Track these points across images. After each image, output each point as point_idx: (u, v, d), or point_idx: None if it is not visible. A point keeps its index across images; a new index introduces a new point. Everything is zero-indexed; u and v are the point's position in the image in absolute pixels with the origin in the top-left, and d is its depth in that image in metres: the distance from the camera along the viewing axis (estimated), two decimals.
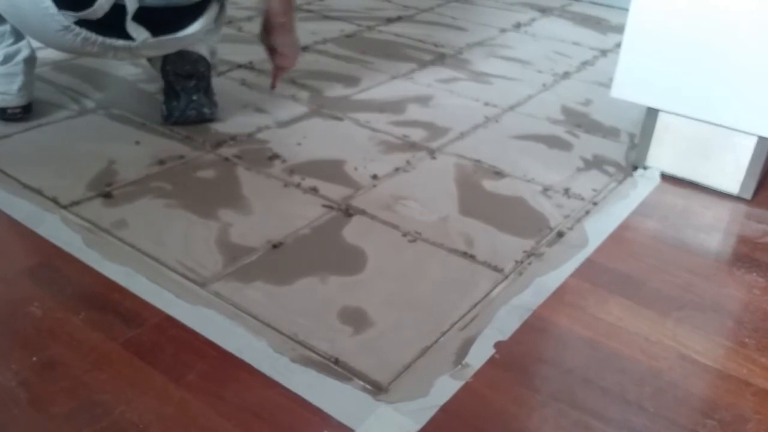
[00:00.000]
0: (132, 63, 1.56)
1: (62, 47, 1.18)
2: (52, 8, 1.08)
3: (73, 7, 1.09)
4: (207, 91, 1.32)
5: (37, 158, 1.19)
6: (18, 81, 1.26)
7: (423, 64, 1.70)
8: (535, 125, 1.40)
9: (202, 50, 1.32)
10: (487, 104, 1.49)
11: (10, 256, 0.95)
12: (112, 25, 1.13)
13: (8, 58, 1.25)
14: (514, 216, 1.09)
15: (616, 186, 1.19)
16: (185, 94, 1.29)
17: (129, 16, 1.12)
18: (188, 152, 1.23)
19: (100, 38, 1.14)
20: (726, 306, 0.91)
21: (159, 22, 1.17)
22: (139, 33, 1.15)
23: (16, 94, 1.27)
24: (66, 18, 1.09)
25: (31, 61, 1.28)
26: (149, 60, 1.36)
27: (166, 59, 1.28)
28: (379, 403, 0.73)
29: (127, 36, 1.15)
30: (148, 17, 1.14)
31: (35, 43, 1.29)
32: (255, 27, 1.91)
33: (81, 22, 1.11)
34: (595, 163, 1.26)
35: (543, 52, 1.82)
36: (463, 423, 0.72)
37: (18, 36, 1.27)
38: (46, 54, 1.54)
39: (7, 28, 1.25)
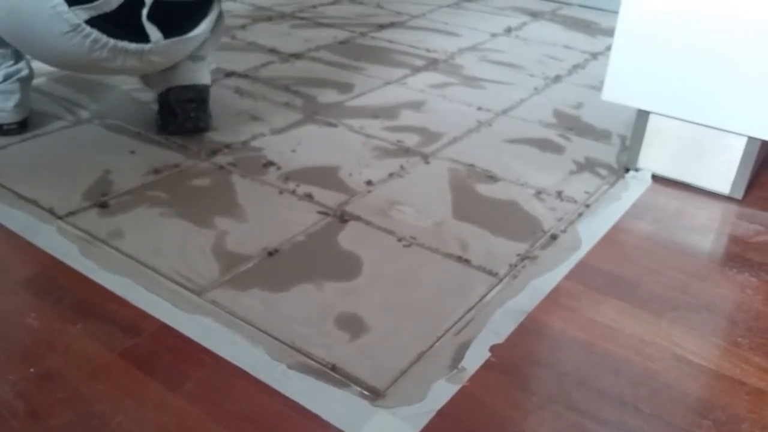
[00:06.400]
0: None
1: (65, 55, 1.11)
2: (62, 5, 1.02)
3: (83, 1, 1.03)
4: (205, 109, 1.33)
5: (33, 169, 1.19)
6: (14, 98, 1.27)
7: (416, 70, 1.71)
8: (527, 129, 1.41)
9: (206, 78, 1.32)
10: (479, 109, 1.50)
11: (6, 268, 0.95)
12: (123, 25, 1.08)
13: (7, 78, 1.26)
14: (508, 219, 1.09)
15: (608, 188, 1.20)
16: (183, 112, 1.30)
17: (146, 9, 1.08)
18: (183, 161, 1.23)
19: (112, 41, 1.08)
20: (719, 306, 0.92)
21: (170, 21, 1.14)
22: (153, 32, 1.11)
23: (11, 111, 1.28)
24: (77, 16, 1.03)
25: (27, 79, 1.30)
26: (148, 82, 1.35)
27: (169, 91, 1.28)
28: (377, 409, 0.74)
29: (138, 39, 1.10)
30: (160, 16, 1.12)
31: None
32: (249, 35, 1.93)
33: (92, 22, 1.05)
34: (587, 165, 1.27)
35: (534, 56, 1.84)
36: (459, 427, 0.72)
37: (18, 57, 1.27)
38: (41, 64, 1.54)
39: (8, 50, 1.25)
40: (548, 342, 0.85)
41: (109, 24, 1.08)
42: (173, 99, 1.29)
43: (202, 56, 1.31)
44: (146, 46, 1.13)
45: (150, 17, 1.11)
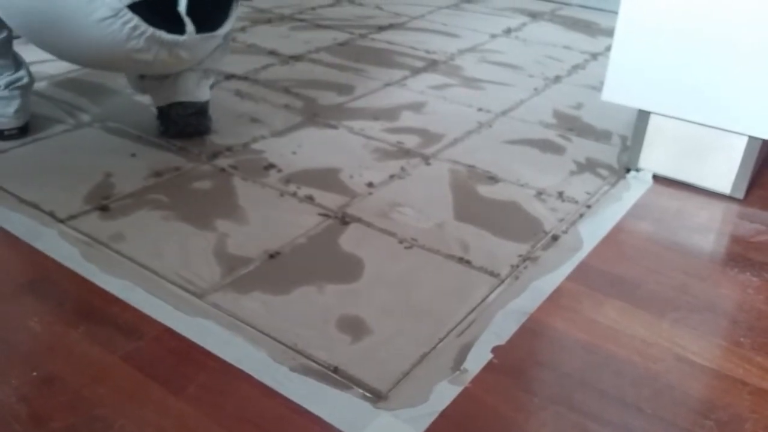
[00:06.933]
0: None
1: (96, 46, 1.08)
2: None
3: None
4: (205, 114, 1.33)
5: (34, 173, 1.19)
6: (15, 104, 1.28)
7: (416, 71, 1.71)
8: (527, 130, 1.41)
9: (207, 94, 1.32)
10: (480, 110, 1.50)
11: (8, 271, 0.95)
12: (161, 14, 1.08)
13: (8, 85, 1.27)
14: (509, 220, 1.09)
15: (609, 189, 1.20)
16: (183, 122, 1.31)
17: None
18: (184, 164, 1.23)
19: (150, 29, 1.07)
20: (721, 306, 0.92)
21: (202, 15, 1.15)
22: (188, 24, 1.12)
23: (12, 117, 1.28)
24: (120, 0, 1.02)
25: (28, 86, 1.30)
26: (144, 90, 1.35)
27: (171, 106, 1.29)
28: (379, 411, 0.74)
29: (173, 29, 1.10)
30: (193, 9, 1.12)
31: (31, 60, 1.30)
32: (249, 37, 1.93)
33: (133, 7, 1.04)
34: (588, 166, 1.27)
35: (534, 57, 1.84)
36: (462, 428, 0.72)
37: (18, 66, 1.28)
38: (41, 68, 1.55)
39: (8, 60, 1.26)
40: (550, 343, 0.85)
41: (149, 11, 1.07)
42: (174, 113, 1.30)
43: (209, 70, 1.32)
44: (180, 38, 1.12)
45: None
